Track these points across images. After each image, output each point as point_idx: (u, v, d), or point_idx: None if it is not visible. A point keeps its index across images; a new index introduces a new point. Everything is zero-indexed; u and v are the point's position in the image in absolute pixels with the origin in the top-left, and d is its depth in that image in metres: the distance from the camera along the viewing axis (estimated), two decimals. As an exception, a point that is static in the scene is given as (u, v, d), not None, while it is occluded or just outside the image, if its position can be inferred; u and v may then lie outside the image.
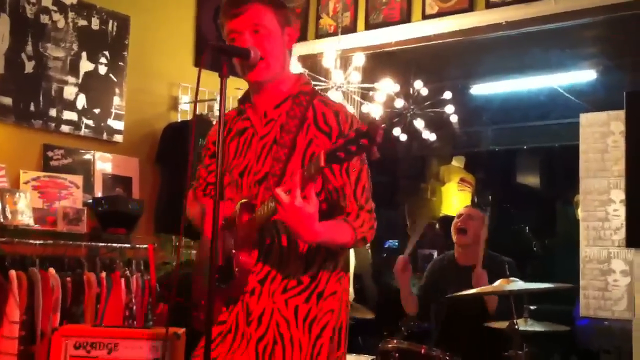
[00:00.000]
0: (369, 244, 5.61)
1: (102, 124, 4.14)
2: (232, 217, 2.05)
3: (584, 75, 6.21)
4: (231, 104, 4.59)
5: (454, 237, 4.12)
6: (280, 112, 2.09)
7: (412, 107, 5.69)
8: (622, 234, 4.02)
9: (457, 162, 8.11)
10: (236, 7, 2.06)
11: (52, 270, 3.46)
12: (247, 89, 2.20)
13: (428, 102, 5.62)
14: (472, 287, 3.72)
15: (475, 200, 8.16)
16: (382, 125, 1.64)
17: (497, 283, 3.52)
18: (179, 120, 4.49)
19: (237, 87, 4.41)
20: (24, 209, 3.54)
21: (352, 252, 2.37)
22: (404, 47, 4.73)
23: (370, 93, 4.86)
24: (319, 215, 1.90)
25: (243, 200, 2.04)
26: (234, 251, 2.02)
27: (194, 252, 4.43)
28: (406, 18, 4.61)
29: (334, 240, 1.97)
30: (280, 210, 1.82)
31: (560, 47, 5.61)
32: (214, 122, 4.39)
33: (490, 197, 8.51)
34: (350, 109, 4.66)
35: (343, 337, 2.10)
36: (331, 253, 2.06)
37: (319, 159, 1.70)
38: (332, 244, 1.99)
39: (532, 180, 8.53)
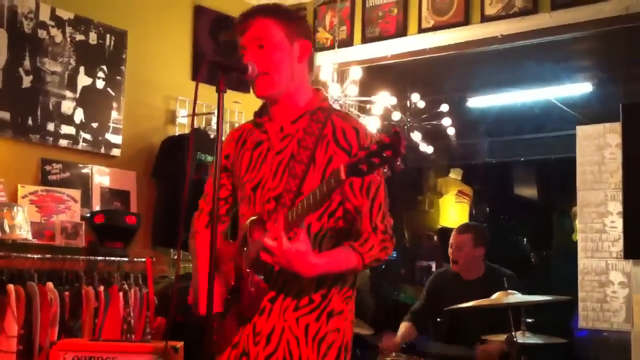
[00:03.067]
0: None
1: (100, 138, 4.14)
2: (243, 234, 2.02)
3: (580, 88, 6.23)
4: (228, 117, 4.63)
5: (450, 264, 4.22)
6: (298, 127, 2.05)
7: (409, 119, 5.70)
8: (619, 245, 4.02)
9: (455, 174, 8.12)
10: (242, 24, 2.06)
11: (50, 285, 3.46)
12: (264, 102, 2.17)
13: (425, 115, 5.63)
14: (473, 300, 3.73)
15: (473, 212, 8.17)
16: (404, 137, 1.63)
17: (495, 296, 3.52)
18: (177, 134, 4.49)
19: (234, 100, 4.46)
20: (21, 223, 3.54)
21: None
22: (400, 60, 4.76)
23: (368, 106, 4.87)
24: (335, 235, 1.93)
25: (253, 217, 2.01)
26: (248, 270, 1.99)
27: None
28: (402, 32, 4.64)
29: (337, 269, 1.96)
30: (272, 257, 1.85)
31: (556, 60, 5.63)
32: (212, 136, 4.40)
33: (487, 208, 8.52)
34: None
35: (345, 356, 2.07)
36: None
37: (339, 173, 1.69)
38: (337, 272, 1.97)
39: (529, 192, 8.54)
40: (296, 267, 1.85)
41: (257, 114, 2.17)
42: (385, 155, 1.62)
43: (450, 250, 4.23)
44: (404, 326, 4.20)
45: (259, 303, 2.00)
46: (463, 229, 4.36)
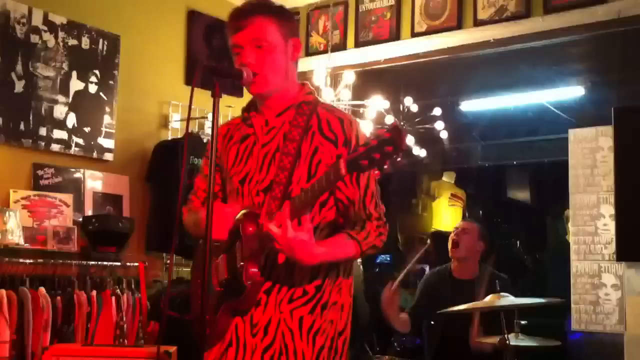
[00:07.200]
0: (360, 259, 5.63)
1: (93, 143, 4.14)
2: (236, 227, 2.01)
3: (572, 92, 6.25)
4: (221, 121, 4.61)
5: (450, 250, 4.16)
6: (283, 120, 2.08)
7: (402, 123, 5.71)
8: (612, 248, 4.04)
9: (448, 178, 8.14)
10: (238, 21, 2.05)
11: (42, 290, 3.45)
12: (252, 98, 2.18)
13: (418, 119, 5.64)
14: (467, 302, 3.73)
15: (467, 215, 8.19)
16: (405, 130, 1.63)
17: (488, 298, 3.53)
18: (170, 139, 4.49)
19: (227, 104, 4.45)
20: (13, 228, 3.53)
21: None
22: (393, 64, 4.77)
23: (361, 110, 4.88)
24: (327, 225, 1.94)
25: (245, 210, 2.01)
26: (242, 263, 1.98)
27: (185, 269, 4.42)
28: (395, 36, 4.65)
29: (336, 258, 1.98)
30: (275, 243, 1.85)
31: (548, 64, 5.65)
32: (205, 140, 4.41)
33: (481, 212, 8.53)
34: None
35: (342, 348, 2.07)
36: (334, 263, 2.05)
37: (339, 168, 1.70)
38: (336, 261, 2.00)
39: (522, 195, 8.57)
40: (298, 256, 1.85)
41: (245, 109, 2.20)
42: (386, 150, 1.62)
43: (452, 236, 4.17)
44: (403, 315, 4.16)
45: (254, 297, 2.00)
46: (469, 220, 4.29)
